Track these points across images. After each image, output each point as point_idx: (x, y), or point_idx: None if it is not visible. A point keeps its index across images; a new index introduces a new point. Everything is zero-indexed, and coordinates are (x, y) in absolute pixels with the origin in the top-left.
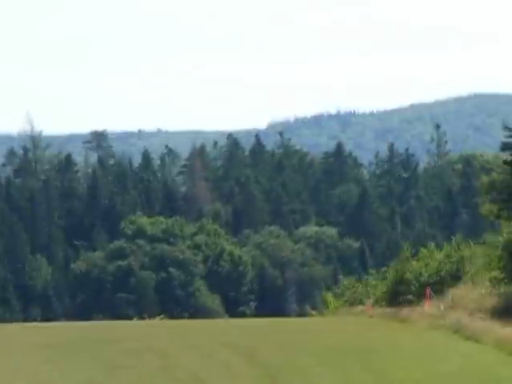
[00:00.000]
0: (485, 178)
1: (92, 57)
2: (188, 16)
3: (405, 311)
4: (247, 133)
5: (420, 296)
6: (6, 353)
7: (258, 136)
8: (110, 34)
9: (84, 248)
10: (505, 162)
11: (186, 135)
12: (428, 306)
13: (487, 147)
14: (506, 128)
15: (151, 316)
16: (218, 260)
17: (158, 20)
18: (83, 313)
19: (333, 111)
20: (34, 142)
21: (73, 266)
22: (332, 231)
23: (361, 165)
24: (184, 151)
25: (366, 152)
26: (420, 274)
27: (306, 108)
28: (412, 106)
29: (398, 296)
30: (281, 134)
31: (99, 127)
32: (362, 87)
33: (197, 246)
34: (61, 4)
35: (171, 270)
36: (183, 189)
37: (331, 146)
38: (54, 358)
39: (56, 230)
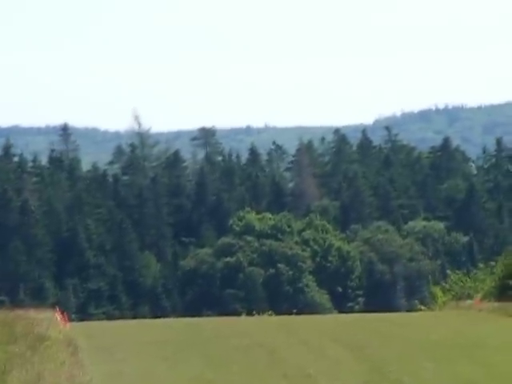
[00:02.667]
0: None
1: (200, 53)
2: (289, 11)
3: None
4: (354, 128)
5: None
6: (115, 349)
7: (364, 131)
8: (219, 30)
9: (192, 245)
10: None
11: (294, 131)
12: None
13: None
14: None
15: (260, 312)
16: (326, 255)
17: (276, 17)
18: (192, 309)
19: (440, 106)
20: (142, 139)
21: (181, 262)
22: (440, 226)
23: (468, 159)
24: (291, 147)
25: (474, 147)
26: None
27: (413, 103)
28: None
29: (506, 290)
30: (388, 128)
31: (207, 124)
32: (469, 82)
33: (305, 242)
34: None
35: (279, 265)
36: (291, 184)
37: (438, 140)
38: (164, 355)
39: (164, 226)
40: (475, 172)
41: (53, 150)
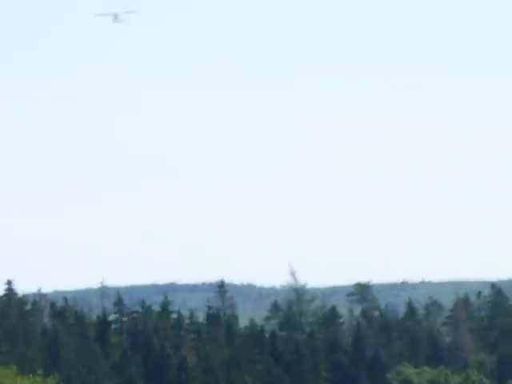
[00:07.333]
0: None
1: (357, 211)
2: None
3: None
4: (511, 282)
5: None
6: None
7: None
8: (368, 187)
9: None
10: None
11: (450, 285)
12: None
13: None
14: None
15: None
16: None
17: None
18: None
19: None
20: (298, 294)
21: None
22: None
23: None
24: (448, 301)
25: None
26: None
27: None
28: None
29: None
30: None
31: (363, 279)
32: None
33: None
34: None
35: None
36: (448, 339)
37: None
38: None
39: (322, 382)
40: None
41: (210, 307)
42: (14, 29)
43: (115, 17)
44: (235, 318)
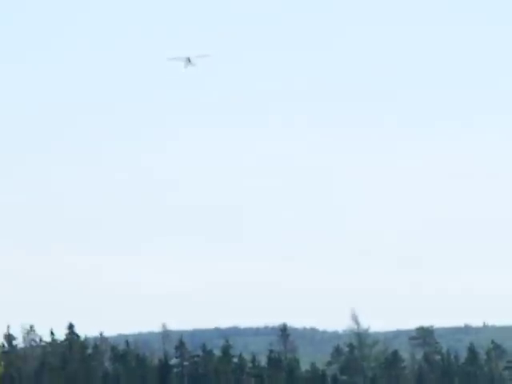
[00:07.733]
0: None
1: (408, 250)
2: None
3: None
4: None
5: None
6: None
7: None
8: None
9: None
10: None
11: None
12: None
13: None
14: None
15: None
16: None
17: None
18: None
19: None
20: (361, 338)
21: None
22: None
23: None
24: (511, 345)
25: None
26: None
27: None
28: None
29: None
30: None
31: (426, 323)
32: None
33: None
34: None
35: None
36: (510, 383)
37: None
38: None
39: None
40: None
41: (271, 351)
42: (81, 68)
43: (188, 61)
44: (297, 361)
